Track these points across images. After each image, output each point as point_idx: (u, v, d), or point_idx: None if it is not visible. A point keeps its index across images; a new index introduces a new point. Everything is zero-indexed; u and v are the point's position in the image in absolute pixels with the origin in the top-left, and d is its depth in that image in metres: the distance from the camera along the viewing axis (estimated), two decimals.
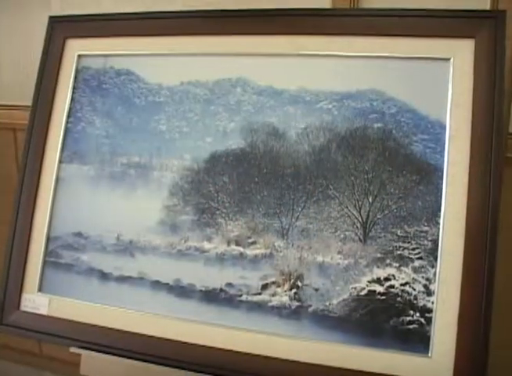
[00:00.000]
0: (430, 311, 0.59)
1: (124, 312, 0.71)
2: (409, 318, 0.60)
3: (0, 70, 0.97)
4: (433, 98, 0.63)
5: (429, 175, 0.62)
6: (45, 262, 0.76)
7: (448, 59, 0.63)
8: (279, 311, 0.64)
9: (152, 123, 0.74)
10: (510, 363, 0.70)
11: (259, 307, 0.65)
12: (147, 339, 0.68)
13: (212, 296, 0.67)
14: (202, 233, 0.70)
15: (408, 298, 0.60)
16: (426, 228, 0.61)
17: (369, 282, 0.62)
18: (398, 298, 0.61)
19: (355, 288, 0.62)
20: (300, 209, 0.66)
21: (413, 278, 0.60)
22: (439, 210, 0.60)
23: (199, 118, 0.72)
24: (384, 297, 0.61)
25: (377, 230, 0.63)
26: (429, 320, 0.59)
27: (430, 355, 0.59)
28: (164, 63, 0.75)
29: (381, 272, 0.62)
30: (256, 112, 0.70)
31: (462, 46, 0.62)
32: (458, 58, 0.62)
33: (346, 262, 0.63)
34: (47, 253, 0.76)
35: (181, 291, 0.69)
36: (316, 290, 0.63)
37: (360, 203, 0.64)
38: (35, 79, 0.79)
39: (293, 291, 0.64)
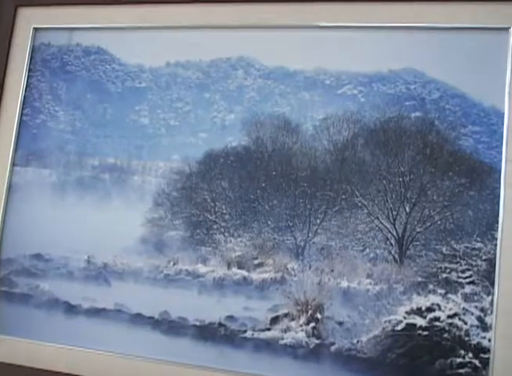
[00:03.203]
0: (486, 350, 0.54)
1: (96, 354, 0.66)
2: (459, 359, 0.54)
3: None
4: (487, 79, 0.58)
5: (482, 176, 0.57)
6: None
7: (507, 29, 0.57)
8: (293, 351, 0.59)
9: (131, 115, 0.69)
10: None
11: (268, 346, 0.60)
12: None
13: (209, 332, 0.62)
14: (195, 254, 0.65)
15: (457, 333, 0.55)
16: (479, 244, 0.56)
17: (407, 313, 0.57)
18: (445, 334, 0.55)
19: (390, 321, 0.57)
20: (318, 222, 0.61)
21: (464, 308, 0.55)
22: (496, 221, 0.56)
23: (190, 108, 0.68)
24: (426, 332, 0.56)
25: (417, 247, 0.58)
26: (485, 362, 0.54)
27: None
28: (146, 39, 0.70)
29: (423, 301, 0.57)
30: (262, 100, 0.65)
31: None
32: None
33: (377, 287, 0.58)
34: None
35: (169, 326, 0.64)
36: (340, 324, 0.59)
37: (395, 213, 0.59)
38: None
39: (311, 325, 0.59)
